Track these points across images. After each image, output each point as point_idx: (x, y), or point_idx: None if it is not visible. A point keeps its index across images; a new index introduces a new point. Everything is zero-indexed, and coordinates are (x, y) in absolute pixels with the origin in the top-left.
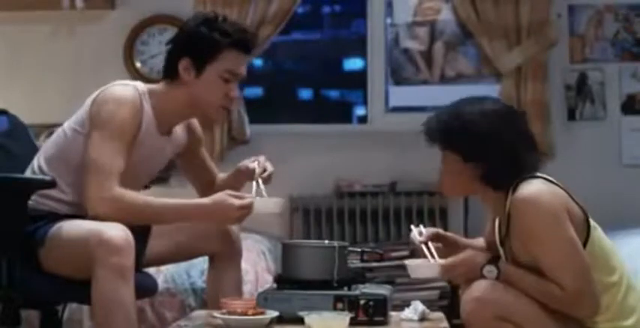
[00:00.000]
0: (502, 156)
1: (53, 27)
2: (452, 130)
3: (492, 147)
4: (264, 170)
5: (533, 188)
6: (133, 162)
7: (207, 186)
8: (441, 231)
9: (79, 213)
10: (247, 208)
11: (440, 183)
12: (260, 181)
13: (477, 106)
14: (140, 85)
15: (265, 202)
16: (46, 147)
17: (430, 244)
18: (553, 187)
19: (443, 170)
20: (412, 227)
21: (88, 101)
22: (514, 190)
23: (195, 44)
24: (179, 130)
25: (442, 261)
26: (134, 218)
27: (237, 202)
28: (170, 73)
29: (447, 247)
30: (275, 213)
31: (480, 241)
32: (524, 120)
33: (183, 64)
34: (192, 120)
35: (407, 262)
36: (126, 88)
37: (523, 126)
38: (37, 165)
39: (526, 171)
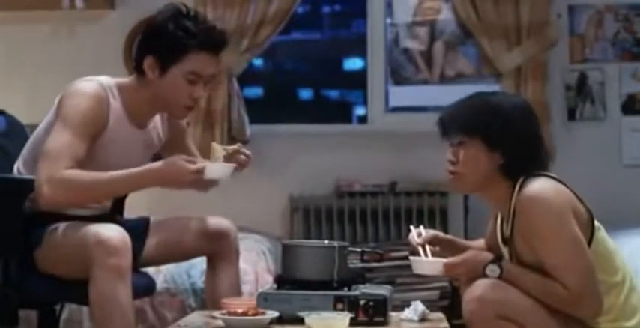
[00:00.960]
0: (528, 145)
1: (53, 27)
2: (481, 114)
3: (520, 133)
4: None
5: (538, 186)
6: (109, 156)
7: None
8: (440, 233)
9: (40, 209)
10: (200, 172)
11: (453, 176)
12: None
13: (501, 97)
14: (106, 80)
15: (216, 168)
16: (24, 149)
17: (427, 247)
18: (559, 186)
19: (461, 160)
20: (412, 228)
21: (56, 100)
22: (520, 188)
23: (161, 43)
24: (158, 122)
25: (445, 259)
26: (86, 196)
27: (190, 166)
28: (137, 68)
29: (446, 250)
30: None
31: (480, 243)
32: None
33: (148, 62)
34: None
35: (411, 258)
36: (88, 83)
37: (538, 124)
38: (17, 167)
39: (543, 166)
